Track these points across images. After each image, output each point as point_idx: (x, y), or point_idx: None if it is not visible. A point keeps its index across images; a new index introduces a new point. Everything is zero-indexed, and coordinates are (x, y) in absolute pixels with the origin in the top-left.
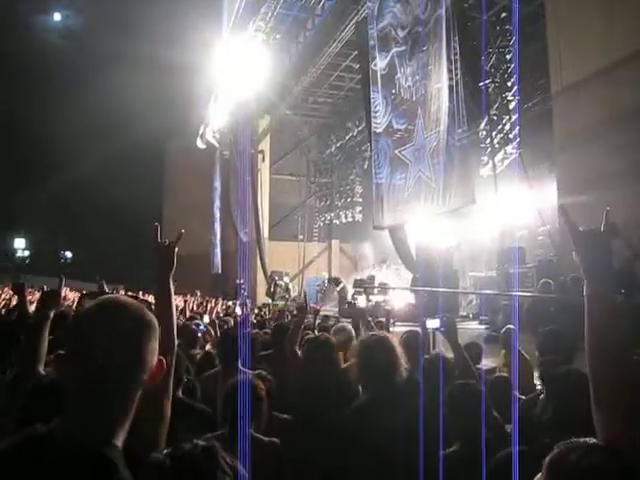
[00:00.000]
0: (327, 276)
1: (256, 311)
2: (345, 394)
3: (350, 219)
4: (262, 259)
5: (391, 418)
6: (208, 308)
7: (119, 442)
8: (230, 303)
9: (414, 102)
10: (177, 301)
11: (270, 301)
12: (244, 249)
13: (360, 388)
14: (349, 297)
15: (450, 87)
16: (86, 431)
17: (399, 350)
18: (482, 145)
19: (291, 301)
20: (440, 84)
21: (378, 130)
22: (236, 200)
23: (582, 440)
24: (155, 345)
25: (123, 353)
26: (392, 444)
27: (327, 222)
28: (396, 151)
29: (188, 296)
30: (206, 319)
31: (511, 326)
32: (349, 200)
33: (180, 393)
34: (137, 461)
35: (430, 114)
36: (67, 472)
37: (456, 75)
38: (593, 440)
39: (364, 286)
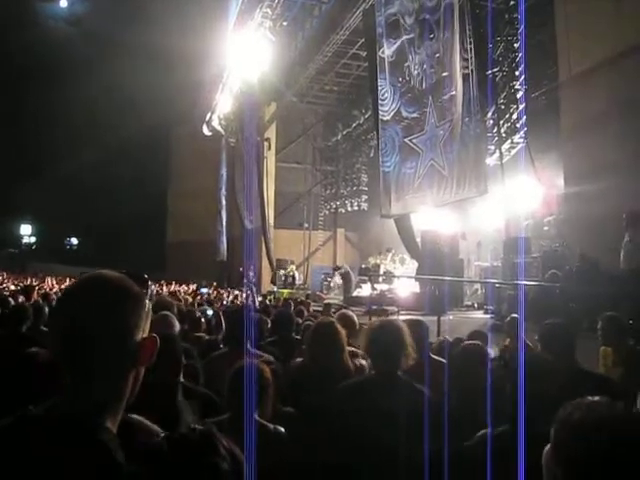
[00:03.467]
0: (334, 266)
1: (260, 298)
2: (348, 377)
3: (356, 208)
4: (267, 247)
5: (384, 400)
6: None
7: (112, 424)
8: (236, 292)
9: (424, 90)
10: (181, 289)
11: (275, 289)
12: (250, 237)
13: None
14: (353, 286)
15: (465, 75)
16: (76, 413)
17: (407, 337)
18: (489, 134)
19: (296, 289)
20: (449, 72)
21: (385, 118)
22: (242, 187)
23: (586, 399)
24: (140, 319)
25: (103, 325)
26: (381, 428)
27: (332, 210)
28: (406, 139)
29: (188, 286)
30: (209, 312)
31: (515, 315)
32: (355, 189)
33: (181, 377)
34: (133, 444)
35: (443, 102)
36: (57, 456)
37: (471, 64)
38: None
39: (369, 274)
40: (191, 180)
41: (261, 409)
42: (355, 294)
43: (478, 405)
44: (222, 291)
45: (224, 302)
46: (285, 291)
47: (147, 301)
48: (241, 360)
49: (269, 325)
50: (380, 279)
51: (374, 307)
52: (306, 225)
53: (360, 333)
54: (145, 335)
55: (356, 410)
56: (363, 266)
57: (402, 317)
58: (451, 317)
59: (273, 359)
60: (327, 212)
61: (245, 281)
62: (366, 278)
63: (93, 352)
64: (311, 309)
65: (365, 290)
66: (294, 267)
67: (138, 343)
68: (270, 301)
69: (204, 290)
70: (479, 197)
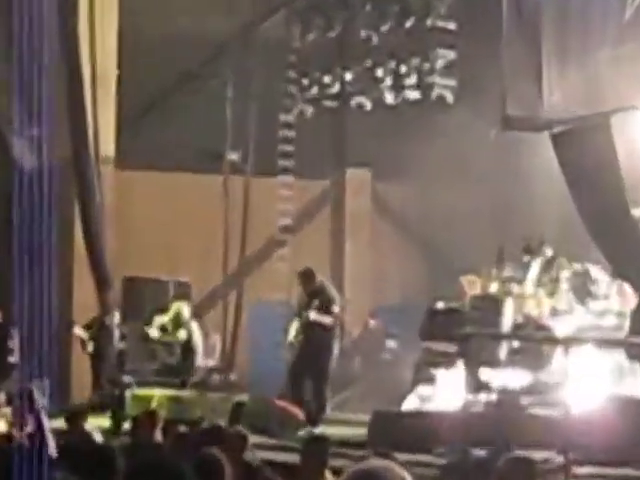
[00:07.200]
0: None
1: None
2: None
3: (413, 96)
4: (89, 231)
5: None
6: None
7: None
8: None
9: None
10: None
11: (126, 383)
12: (30, 196)
13: None
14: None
15: None
16: None
17: None
18: None
19: (199, 387)
20: None
21: None
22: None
23: None
24: None
25: None
26: None
27: (329, 101)
28: None
29: None
30: None
31: None
32: (411, 25)
33: None
34: None
35: None
36: None
37: None
38: None
39: (458, 336)
40: None
41: None
42: (416, 404)
43: None
44: None
45: None
46: (157, 394)
47: None
48: None
49: None
50: (502, 352)
51: (483, 449)
52: (233, 157)
53: None
54: None
55: None
56: (439, 306)
57: None
58: None
59: None
60: (309, 110)
61: (14, 359)
62: (451, 351)
63: None
64: (252, 455)
65: (448, 391)
66: (185, 312)
67: None
68: (118, 425)
69: None
70: None
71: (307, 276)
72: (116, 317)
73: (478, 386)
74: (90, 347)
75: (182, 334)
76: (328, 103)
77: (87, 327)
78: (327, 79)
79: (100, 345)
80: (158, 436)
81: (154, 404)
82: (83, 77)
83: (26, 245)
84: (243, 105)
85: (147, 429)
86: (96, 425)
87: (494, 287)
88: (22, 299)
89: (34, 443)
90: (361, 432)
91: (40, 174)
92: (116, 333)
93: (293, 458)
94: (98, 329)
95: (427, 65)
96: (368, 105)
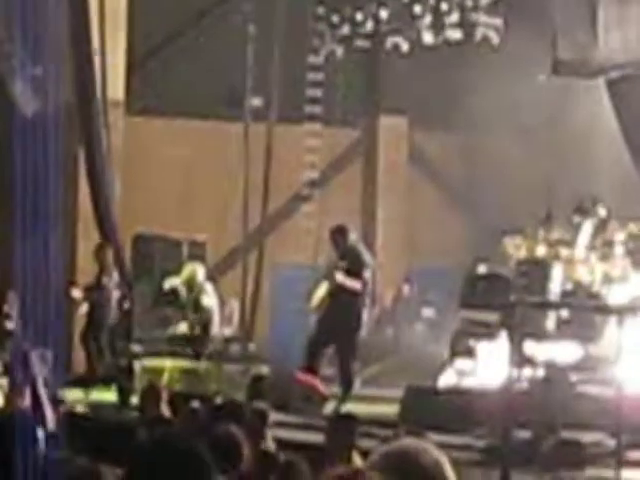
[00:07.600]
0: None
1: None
2: None
3: (453, 34)
4: (96, 182)
5: None
6: None
7: None
8: None
9: None
10: None
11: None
12: (33, 142)
13: None
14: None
15: None
16: None
17: None
18: None
19: (214, 357)
20: None
21: None
22: None
23: None
24: None
25: None
26: None
27: (362, 41)
28: None
29: None
30: None
31: None
32: None
33: None
34: None
35: None
36: None
37: None
38: None
39: (501, 304)
40: None
41: None
42: (453, 379)
43: None
44: None
45: None
46: (168, 365)
47: None
48: None
49: None
50: (546, 326)
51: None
52: (254, 102)
53: None
54: None
55: None
56: (481, 270)
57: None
58: None
59: None
60: (339, 50)
61: (11, 326)
62: (493, 321)
63: None
64: (267, 444)
65: (488, 365)
66: (200, 274)
67: None
68: (125, 400)
69: None
70: None
71: (340, 234)
72: (114, 277)
73: (522, 360)
74: (83, 309)
75: (206, 301)
76: (360, 43)
77: (86, 289)
78: (360, 16)
79: (94, 308)
80: (165, 412)
81: (165, 377)
82: (90, 11)
83: (29, 198)
84: (266, 44)
85: (150, 404)
86: (79, 398)
87: (541, 250)
88: (24, 259)
89: (30, 414)
90: (392, 410)
91: (44, 118)
92: (114, 295)
93: (317, 438)
94: (93, 291)
95: (470, 1)
96: (405, 46)
